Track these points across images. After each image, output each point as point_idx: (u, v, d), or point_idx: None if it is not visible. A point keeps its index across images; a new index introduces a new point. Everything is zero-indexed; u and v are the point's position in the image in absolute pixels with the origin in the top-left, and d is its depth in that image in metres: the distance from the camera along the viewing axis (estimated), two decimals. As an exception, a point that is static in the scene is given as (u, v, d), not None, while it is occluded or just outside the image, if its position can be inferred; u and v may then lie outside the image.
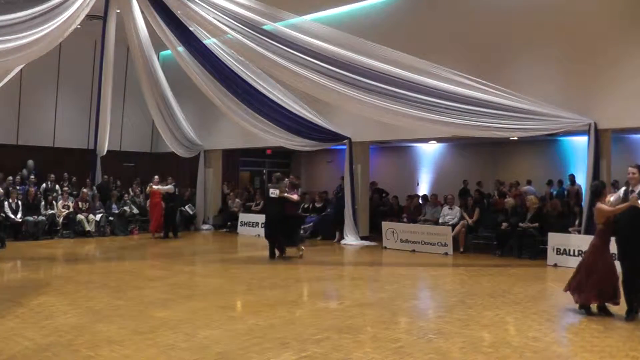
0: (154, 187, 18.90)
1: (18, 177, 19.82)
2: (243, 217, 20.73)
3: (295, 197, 14.78)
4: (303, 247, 14.85)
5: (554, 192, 19.02)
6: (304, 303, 9.68)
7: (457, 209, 16.52)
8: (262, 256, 14.98)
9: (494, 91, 13.27)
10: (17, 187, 18.63)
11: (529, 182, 19.29)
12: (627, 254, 8.34)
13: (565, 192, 18.85)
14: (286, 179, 15.32)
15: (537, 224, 14.58)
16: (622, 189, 8.69)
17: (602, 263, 8.56)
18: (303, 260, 14.43)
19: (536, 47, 14.93)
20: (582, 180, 15.82)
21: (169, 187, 19.05)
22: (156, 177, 19.28)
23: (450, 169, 22.96)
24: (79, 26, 15.42)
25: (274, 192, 14.44)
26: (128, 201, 20.46)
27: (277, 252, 14.51)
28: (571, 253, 13.27)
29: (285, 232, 14.50)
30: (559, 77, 14.60)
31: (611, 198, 8.76)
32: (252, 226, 20.10)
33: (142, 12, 16.82)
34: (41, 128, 22.26)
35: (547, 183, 19.55)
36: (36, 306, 8.66)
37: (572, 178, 18.86)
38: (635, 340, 7.13)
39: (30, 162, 21.25)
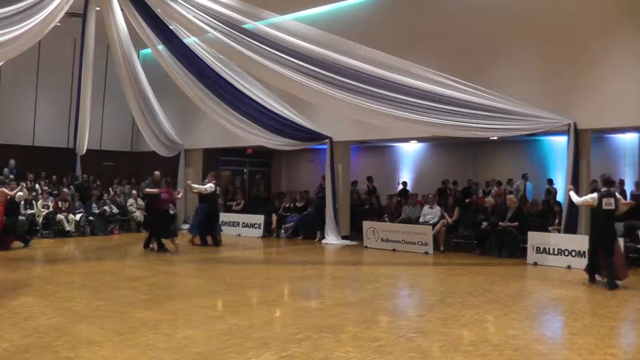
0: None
1: (-2, 176, 19.66)
2: (224, 216, 20.63)
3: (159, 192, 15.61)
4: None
5: (512, 191, 19.19)
6: (285, 302, 9.68)
7: (437, 208, 16.56)
8: (243, 256, 14.96)
9: (474, 91, 13.35)
10: (-4, 187, 18.43)
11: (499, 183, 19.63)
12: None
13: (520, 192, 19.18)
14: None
15: (516, 223, 14.67)
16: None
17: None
18: (284, 260, 14.52)
19: (516, 47, 15.05)
20: (562, 179, 15.94)
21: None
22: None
23: (430, 168, 23.04)
24: (58, 24, 15.31)
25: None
26: (108, 201, 20.32)
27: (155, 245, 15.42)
28: (551, 252, 13.38)
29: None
30: (539, 78, 14.71)
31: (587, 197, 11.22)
32: (233, 226, 20.07)
33: (122, 10, 16.72)
34: (20, 127, 22.06)
35: (508, 182, 19.72)
36: (15, 307, 8.57)
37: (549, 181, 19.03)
38: (613, 337, 7.21)
39: (12, 162, 21.00)
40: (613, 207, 10.78)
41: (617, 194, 11.21)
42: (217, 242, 16.88)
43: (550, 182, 18.46)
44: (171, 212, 21.41)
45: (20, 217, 17.72)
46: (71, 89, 21.99)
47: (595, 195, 11.02)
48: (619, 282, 10.61)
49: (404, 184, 22.24)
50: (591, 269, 11.19)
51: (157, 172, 15.96)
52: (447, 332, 7.35)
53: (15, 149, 21.57)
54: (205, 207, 16.92)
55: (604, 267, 10.91)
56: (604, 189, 10.96)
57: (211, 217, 17.03)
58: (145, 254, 14.88)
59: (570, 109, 13.90)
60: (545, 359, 6.38)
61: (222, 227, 20.25)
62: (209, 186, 16.81)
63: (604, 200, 10.78)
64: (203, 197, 16.93)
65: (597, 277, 11.09)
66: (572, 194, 11.82)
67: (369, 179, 22.44)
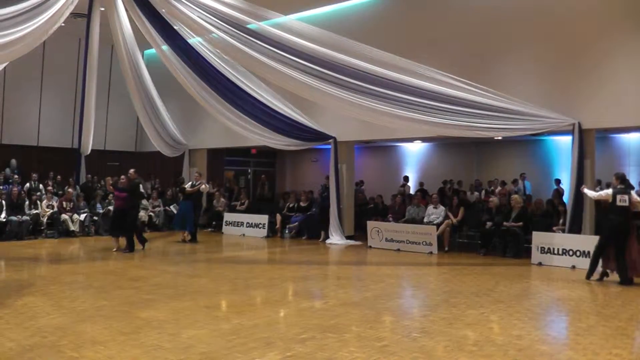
0: None
1: (1, 176, 19.67)
2: (228, 216, 20.69)
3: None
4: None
5: (516, 190, 19.16)
6: (289, 302, 9.67)
7: (441, 208, 16.55)
8: (247, 255, 14.95)
9: (479, 91, 13.32)
10: (1, 187, 18.48)
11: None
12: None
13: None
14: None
15: (521, 223, 14.66)
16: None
17: None
18: (288, 260, 14.55)
19: (520, 47, 15.03)
20: (567, 179, 15.91)
21: None
22: None
23: (435, 168, 23.01)
24: (62, 24, 15.33)
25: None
26: (112, 201, 20.30)
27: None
28: (555, 252, 13.36)
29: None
30: (543, 78, 14.69)
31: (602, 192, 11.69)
32: (237, 226, 20.07)
33: (126, 10, 16.74)
34: (25, 127, 22.11)
35: (512, 182, 19.70)
36: (20, 307, 8.59)
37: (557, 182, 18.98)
38: (618, 338, 7.19)
39: (14, 161, 21.07)
40: (627, 203, 11.09)
41: (632, 192, 11.61)
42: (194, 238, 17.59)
43: (558, 182, 18.43)
44: (174, 210, 21.56)
45: (25, 217, 17.79)
46: (75, 90, 21.99)
47: (610, 191, 11.44)
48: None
49: (421, 184, 22.14)
50: (593, 264, 11.42)
51: (132, 171, 15.96)
52: (451, 332, 7.34)
53: (20, 149, 21.63)
54: (190, 204, 17.50)
55: (614, 261, 11.14)
56: (619, 186, 11.31)
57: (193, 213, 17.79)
58: (147, 254, 14.89)
59: (575, 109, 13.88)
60: (550, 359, 6.38)
61: (227, 227, 20.41)
62: (206, 185, 17.92)
63: (618, 197, 11.14)
64: (188, 194, 17.55)
65: (608, 272, 11.35)
66: (587, 191, 12.12)
67: (405, 178, 22.38)
